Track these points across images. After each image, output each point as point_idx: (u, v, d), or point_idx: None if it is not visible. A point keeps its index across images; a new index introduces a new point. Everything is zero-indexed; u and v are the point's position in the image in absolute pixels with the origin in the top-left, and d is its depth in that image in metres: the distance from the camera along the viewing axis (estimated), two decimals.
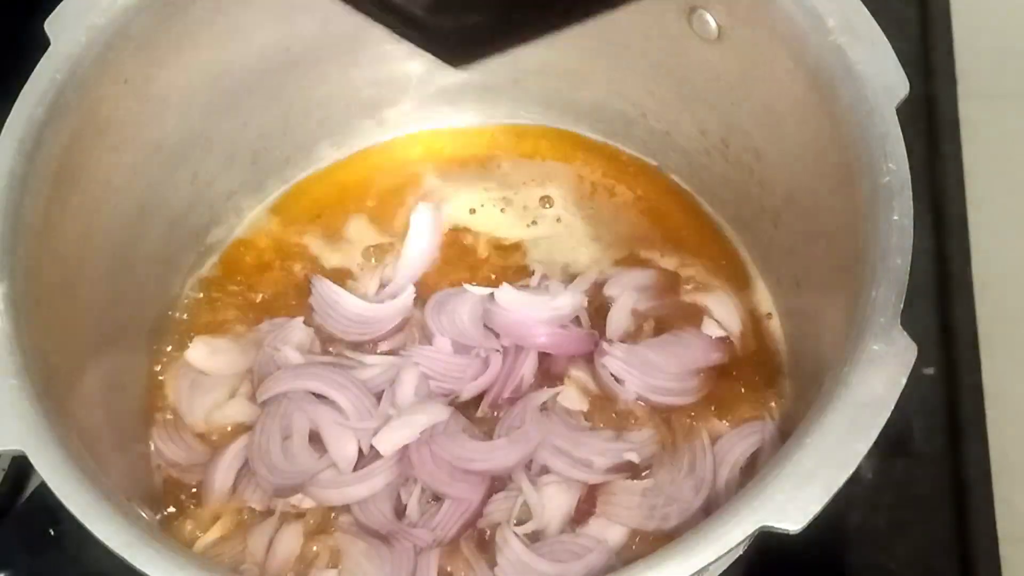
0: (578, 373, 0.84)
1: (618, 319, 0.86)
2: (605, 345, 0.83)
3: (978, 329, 0.94)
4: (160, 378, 0.86)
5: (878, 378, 0.60)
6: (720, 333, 0.85)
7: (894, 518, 0.89)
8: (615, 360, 0.82)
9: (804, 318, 0.82)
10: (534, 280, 0.87)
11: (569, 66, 0.91)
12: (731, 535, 0.57)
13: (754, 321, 0.87)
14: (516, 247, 0.91)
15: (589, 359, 0.84)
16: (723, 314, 0.86)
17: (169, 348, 0.87)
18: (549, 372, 0.84)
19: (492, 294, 0.85)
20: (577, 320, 0.85)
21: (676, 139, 0.91)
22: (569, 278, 0.88)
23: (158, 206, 0.84)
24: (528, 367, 0.83)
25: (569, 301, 0.85)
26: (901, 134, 0.67)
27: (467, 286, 0.87)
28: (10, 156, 0.69)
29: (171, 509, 0.81)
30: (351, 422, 0.80)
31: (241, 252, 0.92)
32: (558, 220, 0.93)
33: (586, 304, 0.86)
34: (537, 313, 0.84)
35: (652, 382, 0.82)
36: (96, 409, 0.75)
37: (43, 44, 0.72)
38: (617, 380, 0.82)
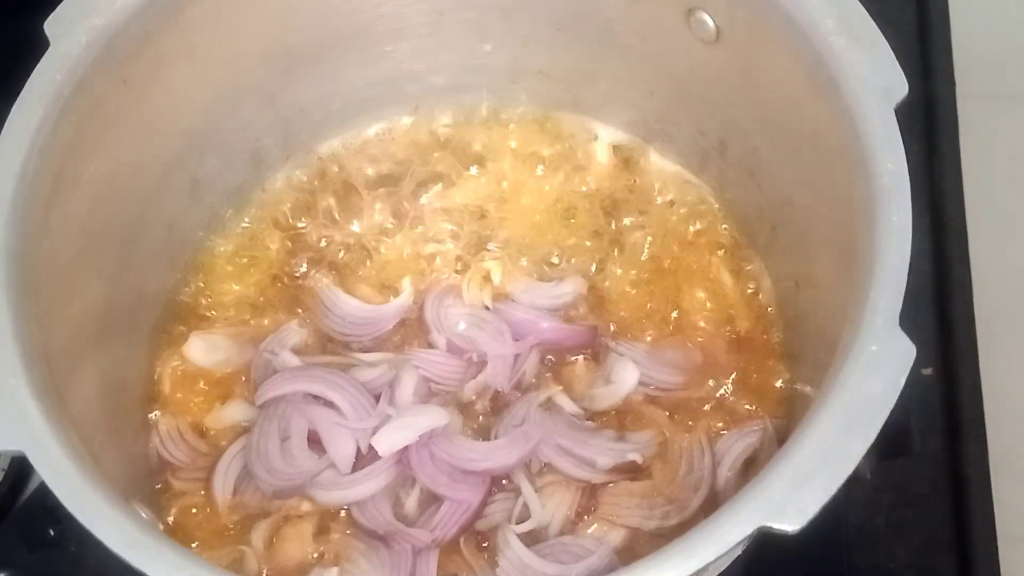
0: (580, 370, 0.84)
1: None
2: (610, 341, 0.83)
3: (977, 329, 0.94)
4: (159, 378, 0.86)
5: (877, 378, 0.60)
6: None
7: (893, 518, 0.89)
8: (619, 356, 0.83)
9: (803, 318, 0.82)
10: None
11: (568, 67, 0.91)
12: (730, 535, 0.57)
13: (753, 321, 0.87)
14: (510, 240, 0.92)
15: (591, 355, 0.84)
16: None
17: (168, 347, 0.87)
18: (550, 369, 0.84)
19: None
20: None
21: (675, 140, 0.91)
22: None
23: (158, 206, 0.84)
24: (530, 363, 0.83)
25: (571, 288, 0.86)
26: (900, 134, 0.67)
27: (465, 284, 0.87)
28: (11, 157, 0.69)
29: (171, 508, 0.81)
30: (349, 422, 0.80)
31: (240, 251, 0.92)
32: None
33: (586, 291, 0.86)
34: (539, 302, 0.85)
35: (656, 377, 0.82)
36: (96, 409, 0.75)
37: (43, 44, 0.72)
38: (621, 376, 0.82)
